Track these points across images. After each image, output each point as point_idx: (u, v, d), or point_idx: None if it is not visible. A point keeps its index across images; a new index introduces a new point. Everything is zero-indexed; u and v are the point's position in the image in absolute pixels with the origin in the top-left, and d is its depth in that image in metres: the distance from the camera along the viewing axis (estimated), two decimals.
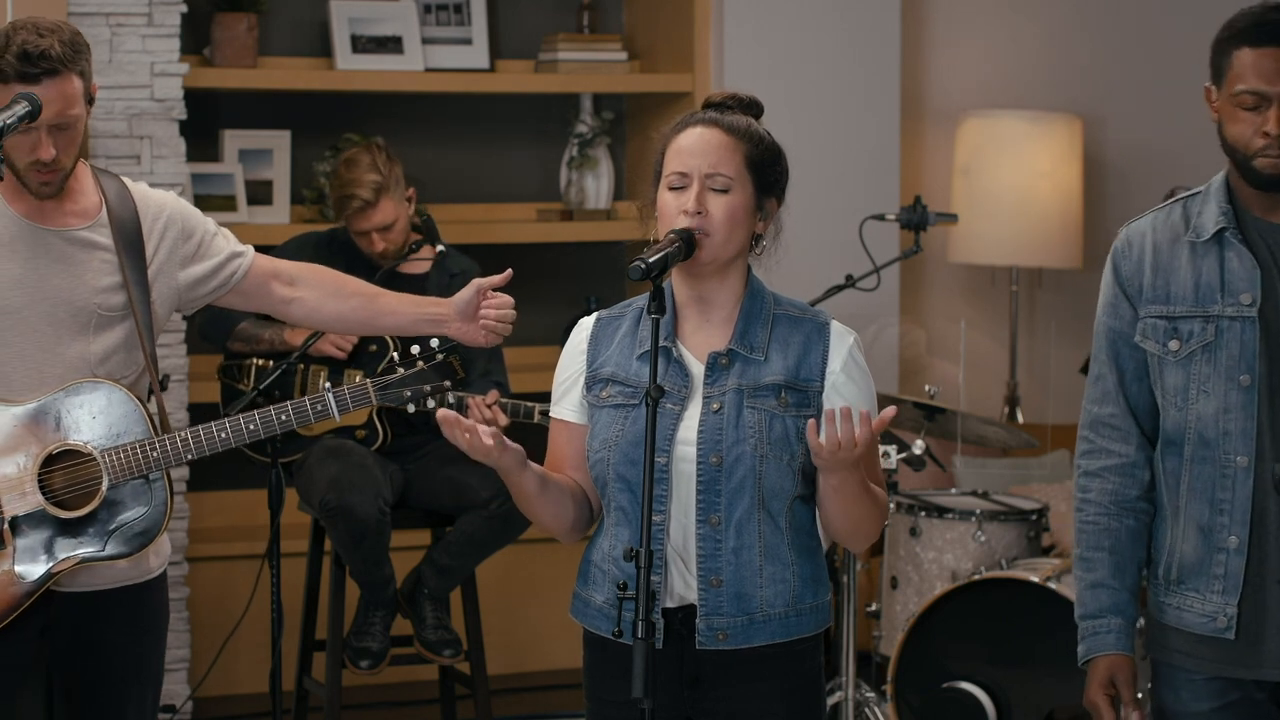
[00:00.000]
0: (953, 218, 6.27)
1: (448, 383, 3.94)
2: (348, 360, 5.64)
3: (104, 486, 3.80)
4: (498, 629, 6.38)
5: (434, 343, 3.98)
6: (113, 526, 3.81)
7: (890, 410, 3.22)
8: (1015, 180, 6.96)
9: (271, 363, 5.62)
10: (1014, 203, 6.96)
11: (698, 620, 3.36)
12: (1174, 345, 3.45)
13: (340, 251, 5.75)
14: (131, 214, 3.89)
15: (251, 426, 3.89)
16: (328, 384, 3.93)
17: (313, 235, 5.88)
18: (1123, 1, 7.32)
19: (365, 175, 5.64)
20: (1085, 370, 6.49)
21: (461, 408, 5.55)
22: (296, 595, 5.81)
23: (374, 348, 5.67)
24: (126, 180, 3.96)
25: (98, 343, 3.85)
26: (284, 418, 3.91)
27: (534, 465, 3.38)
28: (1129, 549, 3.52)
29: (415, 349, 3.97)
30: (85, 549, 3.81)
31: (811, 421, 3.24)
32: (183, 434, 3.84)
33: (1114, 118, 7.31)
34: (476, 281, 4.12)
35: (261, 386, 5.40)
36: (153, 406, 3.90)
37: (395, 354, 4.08)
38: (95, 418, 3.81)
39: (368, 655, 5.63)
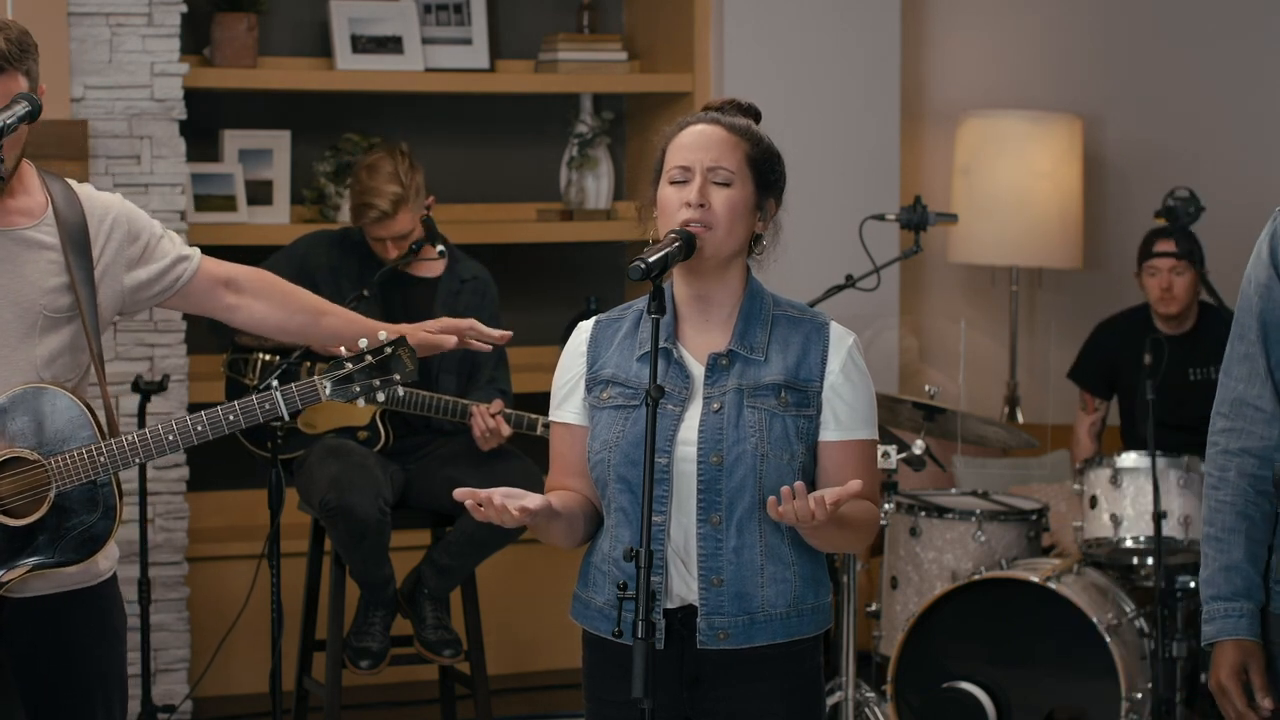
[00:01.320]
0: (953, 218, 6.27)
1: (397, 376, 3.90)
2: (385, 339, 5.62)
3: (52, 493, 3.74)
4: (498, 629, 6.38)
5: (382, 335, 3.96)
6: (62, 533, 3.76)
7: (854, 484, 3.21)
8: (1015, 180, 6.96)
9: (278, 357, 5.62)
10: (1014, 203, 6.96)
11: (699, 620, 3.36)
12: None
13: (353, 251, 5.75)
14: (78, 214, 3.83)
15: (199, 428, 3.81)
16: (275, 381, 3.88)
17: (325, 234, 5.87)
18: (1123, 1, 7.32)
19: (386, 185, 5.61)
20: (1073, 375, 6.54)
21: (465, 415, 5.55)
22: (296, 595, 5.81)
23: None
24: (72, 181, 3.90)
25: (44, 344, 3.80)
26: (232, 418, 3.83)
27: (557, 506, 3.38)
28: (1263, 533, 3.44)
29: (363, 342, 3.94)
30: (36, 556, 3.75)
31: (771, 499, 3.23)
32: (129, 437, 3.78)
33: (1114, 118, 7.31)
34: (452, 325, 4.11)
35: (265, 382, 5.39)
36: (101, 409, 3.84)
37: (343, 348, 4.05)
38: (41, 423, 3.75)
39: (368, 655, 5.63)
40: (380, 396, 3.89)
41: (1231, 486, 3.45)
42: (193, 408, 6.05)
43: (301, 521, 5.88)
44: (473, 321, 4.19)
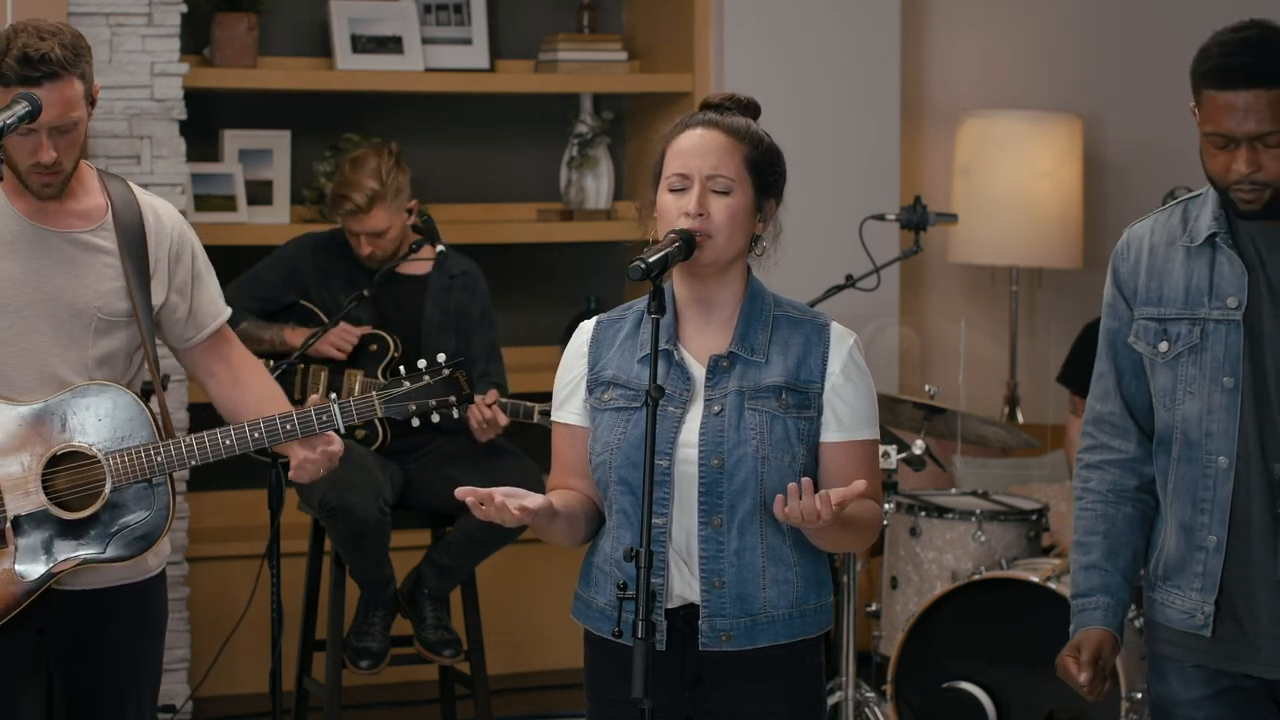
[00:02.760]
0: (953, 218, 6.27)
1: (453, 397, 3.94)
2: (347, 361, 5.64)
3: (107, 489, 3.80)
4: (498, 629, 6.38)
5: (440, 357, 3.99)
6: (114, 529, 3.81)
7: (859, 484, 3.22)
8: (1015, 180, 6.96)
9: (272, 362, 5.62)
10: (1014, 203, 6.96)
11: (700, 621, 3.37)
12: (1163, 347, 3.48)
13: (340, 252, 5.75)
14: (136, 219, 3.88)
15: (256, 435, 3.88)
16: (334, 395, 3.93)
17: (312, 236, 5.88)
18: (1123, 1, 7.32)
19: (364, 180, 5.62)
20: (1061, 378, 6.54)
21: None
22: (296, 595, 5.81)
23: (374, 347, 5.67)
24: (134, 186, 3.96)
25: (96, 346, 3.85)
26: (289, 427, 3.91)
27: (558, 506, 3.39)
28: (1125, 534, 3.56)
29: (422, 363, 3.98)
30: (86, 550, 3.81)
31: (779, 498, 3.23)
32: (187, 439, 3.84)
33: (1114, 118, 7.30)
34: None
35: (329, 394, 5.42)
36: (156, 410, 3.90)
37: (402, 367, 4.08)
38: (101, 420, 3.81)
39: (368, 655, 5.63)
40: (435, 418, 3.95)
41: (1093, 494, 3.58)
42: (192, 408, 6.06)
43: (301, 521, 5.88)
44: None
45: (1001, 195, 6.97)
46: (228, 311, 4.09)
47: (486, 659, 5.73)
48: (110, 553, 3.81)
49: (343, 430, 3.96)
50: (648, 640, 3.17)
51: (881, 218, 6.12)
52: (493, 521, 3.29)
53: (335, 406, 3.91)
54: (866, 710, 5.62)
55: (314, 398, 3.96)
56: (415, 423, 4.00)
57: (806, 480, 3.22)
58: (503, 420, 5.53)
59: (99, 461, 3.80)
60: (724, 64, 6.74)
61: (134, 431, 3.83)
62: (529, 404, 5.50)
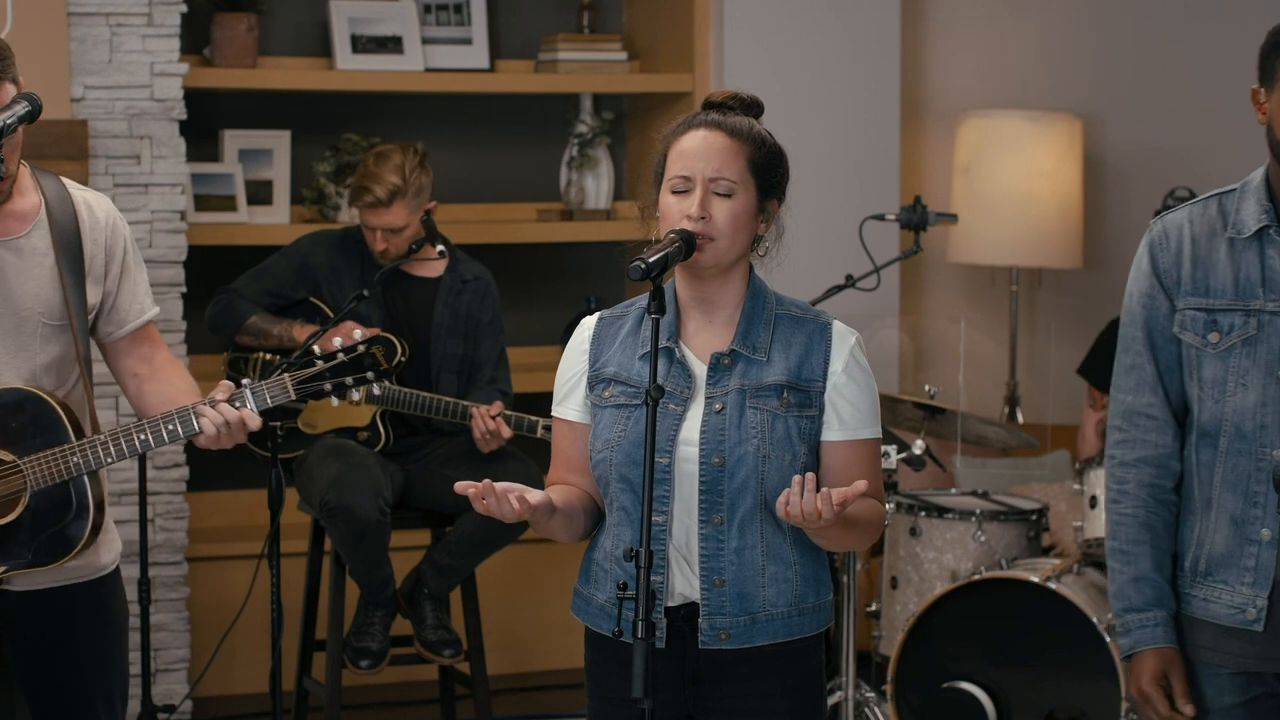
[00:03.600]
0: (953, 218, 6.27)
1: (370, 374, 3.88)
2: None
3: (26, 495, 3.74)
4: (498, 629, 6.38)
5: (356, 334, 3.95)
6: (36, 534, 3.75)
7: (860, 484, 3.21)
8: (1015, 180, 6.96)
9: (278, 357, 5.63)
10: (1014, 203, 6.96)
11: (700, 620, 3.37)
12: (1213, 337, 3.45)
13: (353, 250, 5.75)
14: (70, 215, 3.81)
15: (170, 427, 3.76)
16: (246, 380, 3.85)
17: (326, 234, 5.87)
18: (1123, 1, 7.32)
19: (387, 175, 5.62)
20: (1082, 371, 6.54)
21: (465, 416, 5.56)
22: (296, 595, 5.81)
23: (382, 349, 5.67)
24: (65, 180, 3.88)
25: (44, 352, 3.79)
26: (204, 420, 3.77)
27: (557, 503, 3.38)
28: (1166, 542, 3.52)
29: (338, 341, 3.93)
30: (10, 560, 3.75)
31: (786, 491, 3.23)
32: (101, 436, 3.75)
33: (1114, 118, 7.31)
34: None
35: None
36: (86, 412, 3.82)
37: (316, 347, 4.01)
38: (17, 425, 3.74)
39: (368, 655, 5.63)
40: (355, 395, 3.87)
41: (1132, 498, 3.53)
42: None
43: (301, 521, 5.88)
44: None
45: (1001, 195, 6.97)
46: (153, 311, 3.97)
47: (486, 659, 5.73)
48: (33, 558, 3.75)
49: (257, 411, 3.80)
50: (648, 640, 3.17)
51: (881, 218, 6.12)
52: (492, 516, 3.28)
53: (248, 391, 3.80)
54: (866, 710, 5.62)
55: (224, 383, 3.83)
56: (334, 402, 3.90)
57: (810, 476, 3.21)
58: (506, 433, 5.53)
59: (19, 467, 3.74)
60: (724, 64, 6.74)
61: (50, 434, 3.74)
62: (532, 418, 5.50)
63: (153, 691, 5.77)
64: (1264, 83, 3.49)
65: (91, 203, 3.88)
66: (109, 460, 3.75)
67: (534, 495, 3.29)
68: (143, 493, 5.65)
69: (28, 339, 3.78)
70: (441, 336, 5.73)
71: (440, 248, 5.70)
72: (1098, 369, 6.47)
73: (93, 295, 3.86)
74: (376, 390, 3.96)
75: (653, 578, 3.27)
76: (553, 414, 3.52)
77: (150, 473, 5.93)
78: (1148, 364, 3.52)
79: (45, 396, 3.76)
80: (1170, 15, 7.27)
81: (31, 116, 3.65)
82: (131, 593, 5.77)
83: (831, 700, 5.46)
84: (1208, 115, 7.18)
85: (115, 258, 3.89)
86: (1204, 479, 3.48)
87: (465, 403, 5.56)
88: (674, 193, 3.39)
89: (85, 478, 3.76)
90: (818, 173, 6.53)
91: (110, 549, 3.90)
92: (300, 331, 5.66)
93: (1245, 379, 3.42)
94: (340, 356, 3.86)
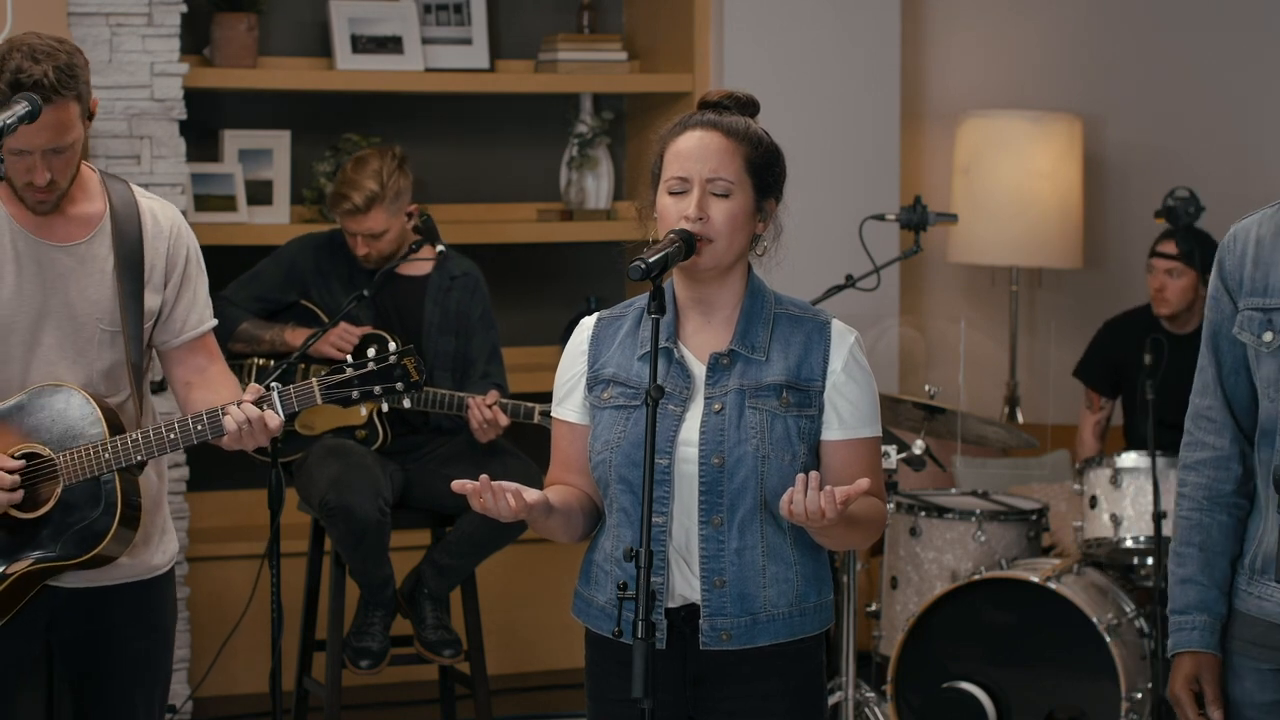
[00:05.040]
0: (953, 218, 6.27)
1: (399, 384, 3.88)
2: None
3: (59, 488, 3.77)
4: (498, 629, 6.38)
5: (391, 345, 3.96)
6: (65, 528, 3.78)
7: (863, 482, 3.21)
8: (1015, 180, 6.96)
9: (272, 362, 5.63)
10: (1014, 203, 6.96)
11: (701, 621, 3.36)
12: (1268, 337, 3.44)
13: (340, 253, 5.75)
14: (134, 224, 3.85)
15: (199, 426, 3.78)
16: (275, 383, 3.85)
17: (312, 236, 5.88)
18: (1122, 1, 7.32)
19: (364, 181, 5.62)
20: (1078, 373, 6.53)
21: (462, 409, 5.56)
22: (296, 595, 5.81)
23: (374, 348, 5.67)
24: (135, 188, 3.91)
25: (101, 359, 3.84)
26: (226, 419, 3.78)
27: (555, 502, 3.38)
28: (1220, 544, 3.50)
29: (371, 350, 3.93)
30: (39, 550, 3.78)
31: (789, 490, 3.23)
32: (132, 435, 3.78)
33: (1114, 118, 7.31)
34: None
35: (265, 382, 5.39)
36: (134, 420, 3.84)
37: (349, 355, 4.00)
38: (55, 420, 3.78)
39: (368, 655, 5.63)
40: (384, 405, 3.87)
41: (1189, 500, 3.54)
42: None
43: (301, 521, 5.88)
44: None
45: (1001, 195, 6.97)
46: (212, 323, 4.00)
47: (486, 659, 5.73)
48: (61, 551, 3.78)
49: (282, 416, 3.81)
50: (648, 640, 3.17)
51: (881, 218, 6.12)
52: (489, 514, 3.28)
53: (276, 395, 3.82)
54: (866, 710, 5.62)
55: (254, 386, 3.84)
56: (364, 412, 3.90)
57: (814, 475, 3.21)
58: (503, 421, 5.53)
59: (53, 460, 3.77)
60: (724, 64, 6.74)
61: (85, 430, 3.78)
62: (529, 404, 5.50)
63: None
64: None
65: (156, 211, 3.91)
66: (139, 458, 3.79)
67: (530, 494, 3.29)
68: None
69: (86, 344, 3.82)
70: (432, 334, 5.73)
71: (440, 248, 5.70)
72: (1094, 370, 6.47)
73: (151, 303, 3.88)
74: (407, 403, 3.93)
75: (653, 578, 3.27)
76: (552, 415, 3.52)
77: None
78: (1210, 365, 3.53)
79: (87, 396, 3.79)
80: (1170, 15, 7.27)
81: (32, 116, 3.65)
82: None
83: (831, 700, 5.46)
84: (1208, 115, 7.18)
85: (176, 267, 3.92)
86: (1264, 477, 3.47)
87: (461, 394, 5.56)
88: (671, 194, 3.38)
89: (115, 475, 3.79)
90: (818, 173, 6.53)
91: (163, 551, 3.94)
92: (292, 335, 5.66)
93: None
94: (370, 365, 3.85)
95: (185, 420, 3.80)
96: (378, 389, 3.85)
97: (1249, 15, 7.22)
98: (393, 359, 3.84)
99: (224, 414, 3.77)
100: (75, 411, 3.79)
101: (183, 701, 6.09)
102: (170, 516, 4.03)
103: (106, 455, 3.77)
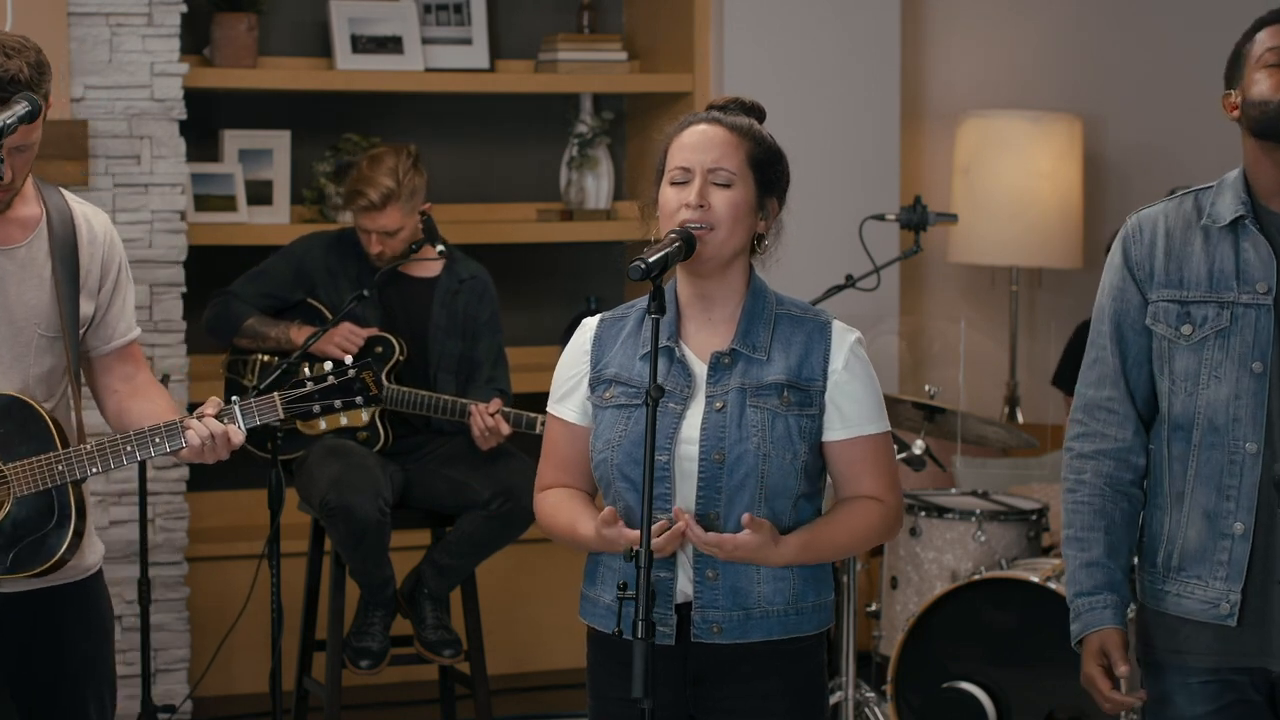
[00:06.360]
0: (953, 218, 6.27)
1: (359, 398, 3.88)
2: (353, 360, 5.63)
3: (9, 501, 3.73)
4: (498, 629, 6.38)
5: (348, 359, 3.96)
6: (16, 540, 3.73)
7: (742, 535, 3.31)
8: (1015, 180, 6.96)
9: (276, 359, 5.63)
10: (1014, 203, 6.96)
11: (693, 613, 3.37)
12: (1186, 330, 3.44)
13: (349, 252, 5.75)
14: (69, 229, 3.79)
15: (157, 439, 3.74)
16: (236, 396, 3.84)
17: (321, 236, 5.87)
18: (1123, 1, 7.32)
19: (381, 178, 5.62)
20: (1056, 381, 6.53)
21: (464, 414, 5.56)
22: (296, 595, 5.81)
23: (380, 349, 5.68)
24: (66, 192, 3.86)
25: (38, 364, 3.77)
26: (189, 433, 3.74)
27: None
28: (1122, 531, 3.53)
29: (329, 365, 3.93)
30: None
31: (745, 516, 3.33)
32: (87, 446, 3.74)
33: (1114, 118, 7.31)
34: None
35: (264, 384, 5.40)
36: (71, 424, 3.79)
37: (307, 369, 4.00)
38: (4, 432, 3.72)
39: (368, 655, 5.63)
40: (343, 419, 3.87)
41: (1088, 488, 3.53)
42: (193, 407, 6.04)
43: (301, 521, 5.88)
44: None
45: (1001, 195, 6.97)
46: (137, 332, 3.95)
47: (486, 659, 5.73)
48: (12, 565, 3.73)
49: (244, 430, 3.79)
50: (647, 640, 3.17)
51: (881, 218, 6.12)
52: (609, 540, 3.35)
53: (237, 408, 3.81)
54: (866, 710, 5.62)
55: (213, 399, 3.82)
56: (323, 425, 3.88)
57: (748, 517, 3.28)
58: (505, 430, 5.53)
59: (3, 473, 3.71)
60: (724, 64, 6.74)
61: (37, 441, 3.72)
62: (530, 414, 5.50)
63: (153, 691, 5.77)
64: (1230, 85, 3.49)
65: (90, 217, 3.87)
66: (94, 471, 3.73)
67: (595, 518, 3.37)
68: (143, 493, 5.66)
69: (24, 349, 3.77)
70: (439, 336, 5.73)
71: (440, 248, 5.69)
72: (1071, 377, 6.46)
73: (86, 309, 3.84)
74: (365, 416, 3.93)
75: (661, 574, 3.27)
76: (548, 411, 3.52)
77: (150, 473, 5.93)
78: (1111, 358, 3.52)
79: (34, 404, 3.74)
80: (1171, 15, 7.27)
81: (31, 116, 3.64)
82: (131, 593, 5.80)
83: (831, 700, 5.46)
84: (1208, 115, 7.15)
85: (110, 273, 3.88)
86: (1176, 473, 3.48)
87: (464, 401, 5.56)
88: (673, 184, 3.39)
89: (68, 486, 3.74)
90: (818, 173, 6.53)
91: (94, 551, 3.88)
92: (298, 333, 5.66)
93: (1218, 371, 3.41)
94: (330, 379, 3.85)
95: (143, 432, 3.75)
96: (338, 403, 3.85)
97: (1249, 16, 7.21)
98: (351, 373, 3.85)
99: (185, 427, 3.73)
100: (29, 423, 3.71)
101: (182, 701, 6.10)
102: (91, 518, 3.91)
103: (60, 467, 3.72)
